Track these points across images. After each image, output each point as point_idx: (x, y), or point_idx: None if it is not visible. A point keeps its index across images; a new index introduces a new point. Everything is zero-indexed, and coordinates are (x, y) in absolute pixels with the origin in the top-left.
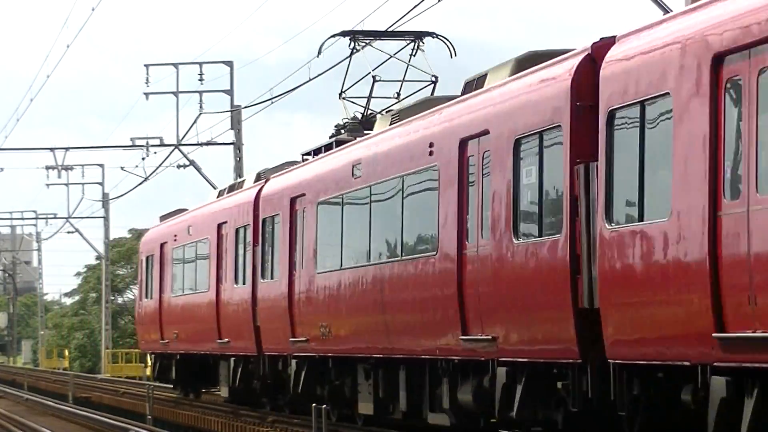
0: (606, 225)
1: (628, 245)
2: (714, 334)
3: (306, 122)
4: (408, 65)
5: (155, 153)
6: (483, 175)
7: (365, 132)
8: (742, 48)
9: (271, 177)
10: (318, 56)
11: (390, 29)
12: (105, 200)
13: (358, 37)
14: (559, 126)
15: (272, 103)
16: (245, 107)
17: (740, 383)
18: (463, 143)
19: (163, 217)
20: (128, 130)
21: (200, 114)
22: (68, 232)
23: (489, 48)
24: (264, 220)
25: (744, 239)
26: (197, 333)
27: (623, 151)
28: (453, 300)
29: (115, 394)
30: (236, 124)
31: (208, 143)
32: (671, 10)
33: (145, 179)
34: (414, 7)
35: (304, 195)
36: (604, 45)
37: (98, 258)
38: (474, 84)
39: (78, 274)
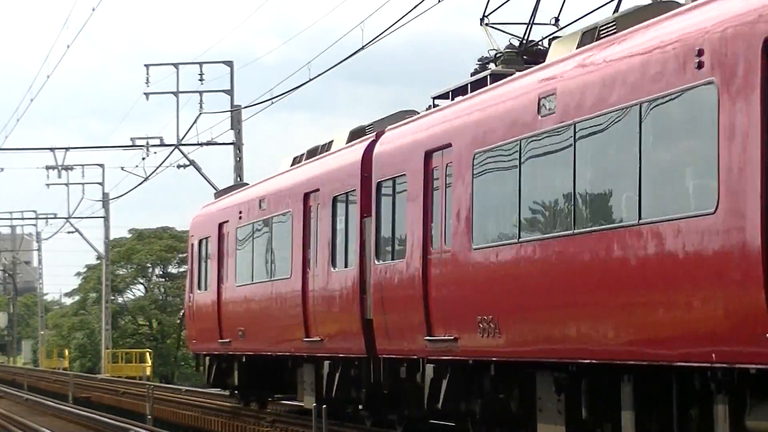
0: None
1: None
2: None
3: (306, 122)
4: None
5: (155, 153)
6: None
7: (525, 65)
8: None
9: (387, 129)
10: None
11: (390, 29)
12: (105, 200)
13: None
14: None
15: (272, 103)
16: (245, 107)
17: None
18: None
19: (218, 194)
20: (128, 130)
21: (200, 114)
22: (68, 232)
23: None
24: (379, 184)
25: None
26: (273, 330)
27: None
28: None
29: (115, 394)
30: (236, 124)
31: (208, 143)
32: None
33: (145, 179)
34: (414, 7)
35: (448, 146)
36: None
37: (98, 258)
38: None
39: (78, 274)
